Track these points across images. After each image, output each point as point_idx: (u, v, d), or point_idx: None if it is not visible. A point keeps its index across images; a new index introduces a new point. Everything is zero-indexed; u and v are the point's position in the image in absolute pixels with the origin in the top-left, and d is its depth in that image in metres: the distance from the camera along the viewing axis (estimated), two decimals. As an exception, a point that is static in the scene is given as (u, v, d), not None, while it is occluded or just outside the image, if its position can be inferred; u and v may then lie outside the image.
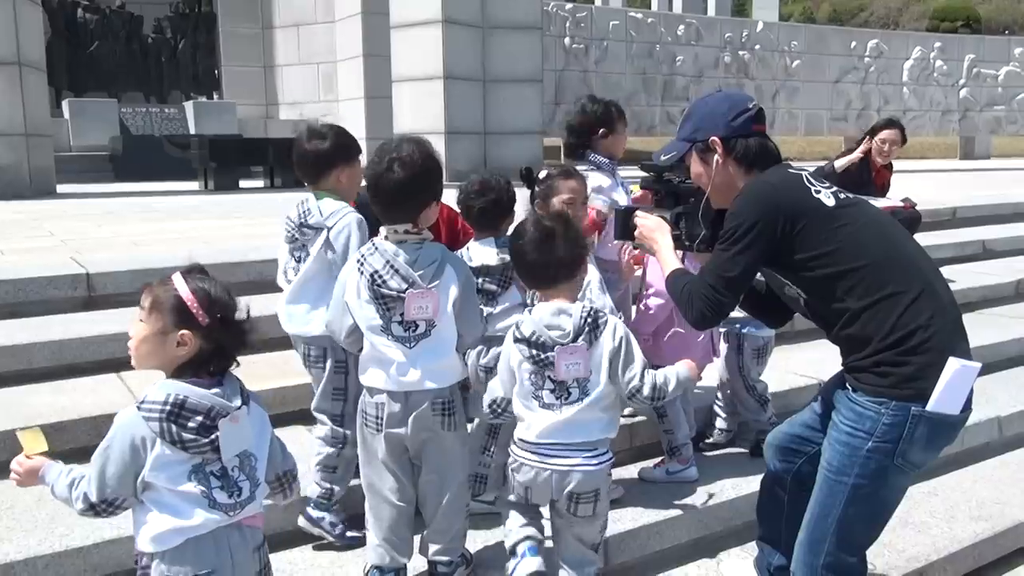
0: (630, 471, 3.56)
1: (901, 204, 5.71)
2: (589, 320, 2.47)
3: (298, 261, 2.95)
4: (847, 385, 2.25)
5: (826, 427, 2.36)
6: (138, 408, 1.86)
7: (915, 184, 10.93)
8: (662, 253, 2.58)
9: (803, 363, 4.55)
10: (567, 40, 18.53)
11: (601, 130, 3.70)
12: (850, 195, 2.37)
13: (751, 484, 3.38)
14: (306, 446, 3.31)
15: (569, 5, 18.84)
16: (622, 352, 2.48)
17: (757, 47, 21.27)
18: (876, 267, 2.18)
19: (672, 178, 2.74)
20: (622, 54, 19.29)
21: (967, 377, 2.13)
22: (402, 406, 2.54)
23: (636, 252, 3.23)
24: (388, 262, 2.49)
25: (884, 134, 5.83)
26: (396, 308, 2.49)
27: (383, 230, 2.57)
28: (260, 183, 13.19)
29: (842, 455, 2.21)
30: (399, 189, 2.48)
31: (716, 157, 2.42)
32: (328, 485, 2.93)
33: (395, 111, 12.99)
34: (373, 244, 2.57)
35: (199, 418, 1.86)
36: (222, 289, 1.95)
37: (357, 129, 16.43)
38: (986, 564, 3.36)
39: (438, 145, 12.25)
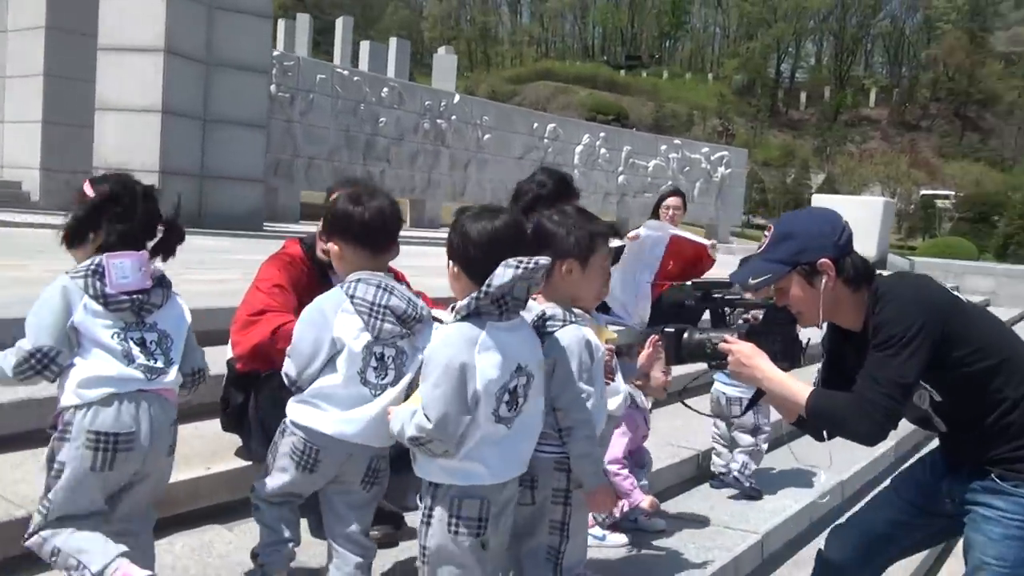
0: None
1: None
2: None
3: (380, 360, 2.30)
4: (994, 478, 2.26)
5: (919, 521, 2.43)
6: (66, 273, 2.13)
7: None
8: (777, 378, 2.36)
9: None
10: (273, 87, 17.76)
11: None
12: None
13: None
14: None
15: (277, 52, 18.18)
16: None
17: (453, 117, 22.13)
18: (1019, 357, 2.25)
19: (721, 295, 2.65)
20: (328, 108, 18.92)
21: None
22: (505, 498, 2.13)
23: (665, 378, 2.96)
24: None
25: (669, 201, 6.20)
26: None
27: None
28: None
29: (1019, 548, 2.22)
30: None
31: (825, 280, 2.32)
32: None
33: (97, 141, 11.48)
34: None
35: None
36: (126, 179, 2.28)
37: (31, 157, 14.26)
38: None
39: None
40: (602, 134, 26.88)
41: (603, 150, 26.67)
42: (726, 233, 29.96)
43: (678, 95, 76.11)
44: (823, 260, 2.30)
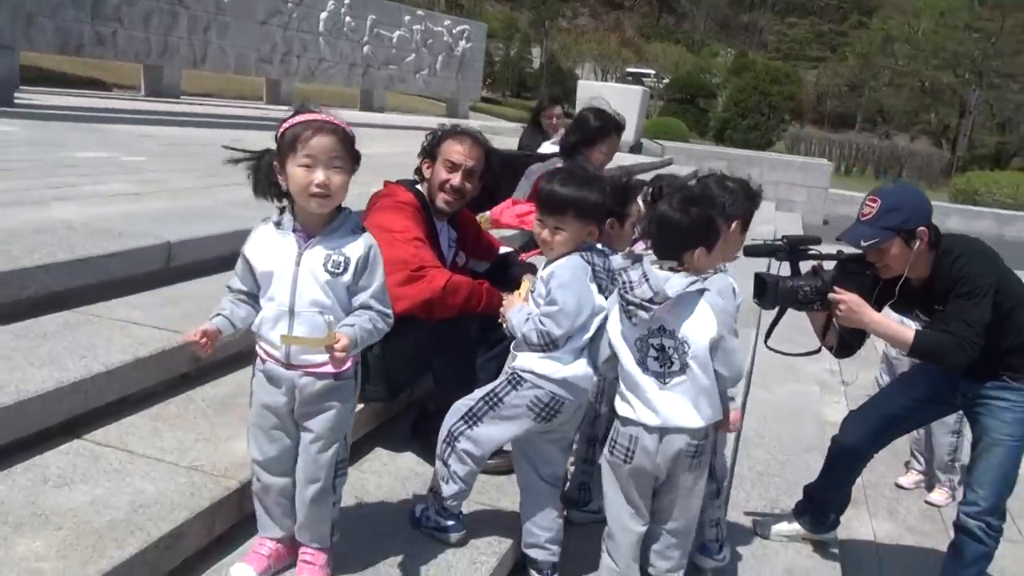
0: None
1: None
2: None
3: None
4: (1006, 379, 3.01)
5: (927, 407, 3.23)
6: None
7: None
8: (884, 322, 2.94)
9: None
10: (-22, -74, 15.03)
11: (596, 143, 3.77)
12: None
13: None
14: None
15: None
16: None
17: (191, -26, 20.11)
18: None
19: (809, 249, 3.01)
20: (48, -44, 16.42)
21: None
22: (663, 443, 2.42)
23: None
24: None
25: (554, 111, 6.49)
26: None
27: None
28: None
29: (1021, 424, 3.02)
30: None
31: (918, 244, 2.90)
32: None
33: None
34: None
35: None
36: None
37: None
38: None
39: None
40: (347, 1, 25.79)
41: (348, 18, 25.69)
42: (466, 109, 30.46)
43: (396, -43, 73.86)
44: (921, 228, 2.90)
